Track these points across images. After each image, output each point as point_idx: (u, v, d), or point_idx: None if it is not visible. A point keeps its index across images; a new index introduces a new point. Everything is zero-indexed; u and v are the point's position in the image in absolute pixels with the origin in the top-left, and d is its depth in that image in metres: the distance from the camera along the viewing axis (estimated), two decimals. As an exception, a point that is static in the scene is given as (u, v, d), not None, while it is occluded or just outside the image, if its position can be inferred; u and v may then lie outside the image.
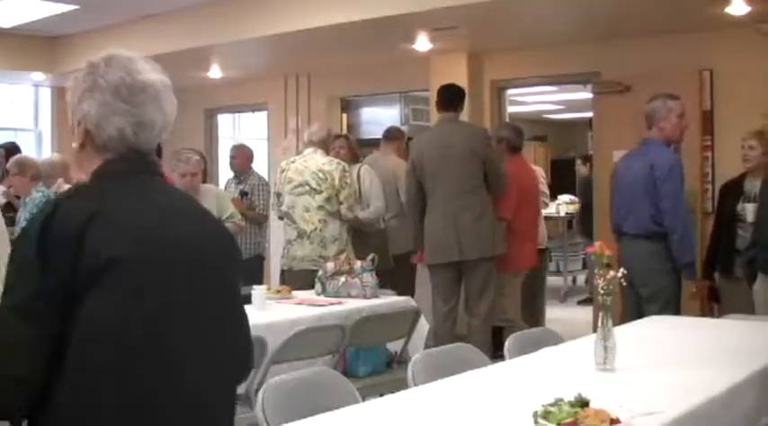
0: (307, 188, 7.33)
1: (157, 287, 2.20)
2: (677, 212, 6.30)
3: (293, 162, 7.55)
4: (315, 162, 7.39)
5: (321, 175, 7.31)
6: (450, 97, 7.74)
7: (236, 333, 2.44)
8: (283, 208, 7.47)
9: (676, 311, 6.28)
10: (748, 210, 6.70)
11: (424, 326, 6.26)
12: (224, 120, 14.20)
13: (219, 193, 7.32)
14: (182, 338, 2.23)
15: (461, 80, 9.64)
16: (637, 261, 6.24)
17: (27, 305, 2.11)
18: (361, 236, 7.85)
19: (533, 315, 8.77)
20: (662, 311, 5.92)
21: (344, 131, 11.77)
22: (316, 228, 7.26)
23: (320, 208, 7.27)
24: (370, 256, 6.66)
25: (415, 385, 3.72)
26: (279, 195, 7.57)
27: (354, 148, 8.65)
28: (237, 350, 2.44)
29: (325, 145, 7.62)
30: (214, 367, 2.31)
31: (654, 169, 6.32)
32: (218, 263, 2.39)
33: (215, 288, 2.36)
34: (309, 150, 7.51)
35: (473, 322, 7.51)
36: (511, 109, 11.31)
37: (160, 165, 2.51)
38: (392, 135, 9.22)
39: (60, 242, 2.12)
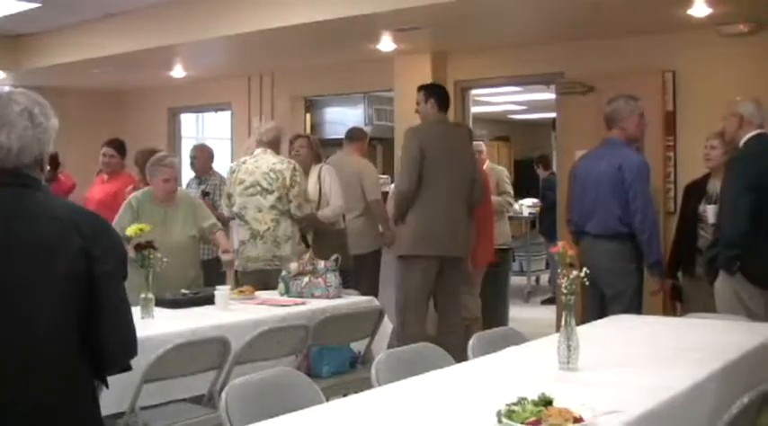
0: (258, 188, 7.31)
1: None
2: (647, 212, 6.36)
3: (244, 162, 7.52)
4: (266, 162, 7.37)
5: (273, 175, 7.29)
6: (447, 98, 7.88)
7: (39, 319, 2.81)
8: (235, 209, 7.44)
9: (638, 310, 6.31)
10: (709, 212, 6.74)
11: (387, 326, 6.26)
12: (187, 120, 14.15)
13: (195, 201, 7.27)
14: None
15: (425, 80, 9.63)
16: (601, 261, 6.27)
17: None
18: (321, 236, 7.85)
19: (497, 315, 8.81)
20: (625, 310, 5.96)
21: (308, 131, 11.77)
22: (268, 228, 7.25)
23: (272, 207, 7.25)
24: (334, 256, 6.65)
25: (379, 384, 3.71)
26: (230, 196, 7.54)
27: (316, 148, 8.62)
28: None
29: (275, 145, 7.61)
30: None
31: (622, 170, 6.36)
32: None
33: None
34: (259, 150, 7.48)
35: (455, 320, 7.52)
36: (474, 109, 11.32)
37: (34, 179, 2.97)
38: (355, 135, 9.21)
39: None
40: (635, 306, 6.32)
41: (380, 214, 8.65)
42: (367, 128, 10.59)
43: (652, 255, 6.43)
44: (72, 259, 2.86)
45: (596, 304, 6.32)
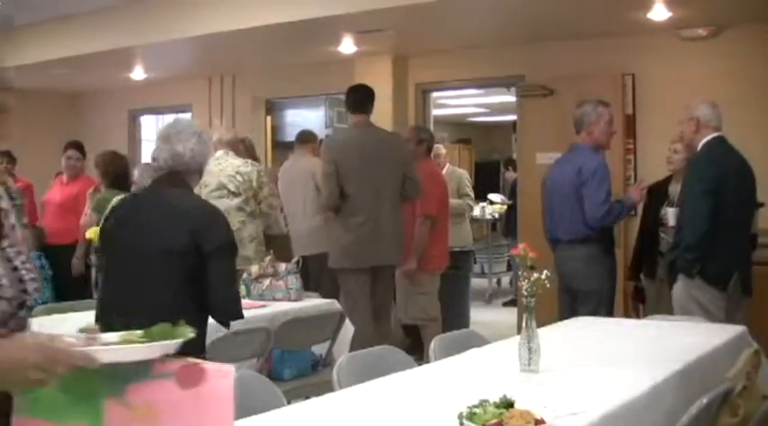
0: (224, 191, 7.29)
1: None
2: (594, 215, 6.36)
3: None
4: (230, 164, 7.36)
5: (240, 178, 7.28)
6: (363, 99, 7.47)
7: None
8: None
9: (609, 313, 6.34)
10: (670, 215, 6.78)
11: (349, 329, 6.25)
12: (147, 122, 14.06)
13: None
14: None
15: (386, 83, 9.68)
16: (573, 265, 6.31)
17: None
18: (266, 241, 7.92)
19: (458, 317, 8.82)
20: (594, 312, 5.96)
21: (269, 133, 11.76)
22: (236, 230, 7.22)
23: (239, 210, 7.25)
24: (295, 259, 6.65)
25: (341, 387, 3.70)
26: None
27: (251, 151, 8.65)
28: None
29: (234, 146, 7.60)
30: None
31: (581, 173, 6.39)
32: None
33: None
34: (221, 152, 7.46)
35: (386, 326, 7.49)
36: (435, 112, 11.35)
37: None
38: (305, 138, 9.19)
39: None
40: (605, 309, 6.34)
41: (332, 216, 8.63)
42: (328, 130, 10.58)
43: (625, 210, 6.69)
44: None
45: (569, 309, 6.32)
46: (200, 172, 4.63)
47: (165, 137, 4.51)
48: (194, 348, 2.43)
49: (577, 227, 6.45)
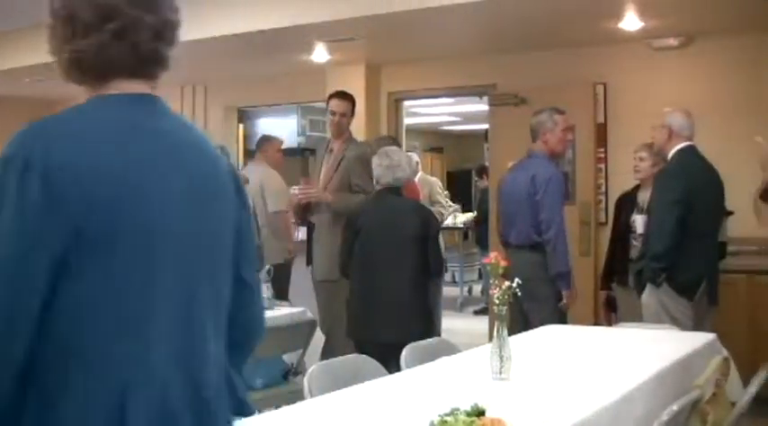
0: None
1: None
2: (552, 224, 6.37)
3: None
4: None
5: None
6: None
7: None
8: None
9: (563, 320, 6.34)
10: (638, 222, 6.83)
11: (319, 338, 6.24)
12: (119, 130, 14.01)
13: None
14: None
15: (358, 91, 9.65)
16: (521, 271, 6.30)
17: None
18: None
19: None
20: (547, 320, 5.94)
21: (241, 142, 11.74)
22: None
23: None
24: (266, 267, 6.63)
25: (312, 396, 3.70)
26: None
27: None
28: None
29: None
30: None
31: (535, 181, 6.40)
32: None
33: None
34: None
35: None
36: (408, 120, 11.34)
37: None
38: (261, 144, 9.20)
39: None
40: (558, 317, 6.34)
41: (280, 227, 8.61)
42: (300, 139, 10.56)
43: (555, 266, 6.42)
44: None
45: (521, 314, 6.32)
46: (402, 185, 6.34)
47: None
48: None
49: (527, 233, 6.46)
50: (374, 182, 6.41)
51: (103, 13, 2.10)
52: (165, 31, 2.32)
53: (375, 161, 6.36)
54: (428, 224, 6.22)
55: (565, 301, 6.41)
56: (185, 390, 2.03)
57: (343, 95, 7.57)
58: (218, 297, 2.16)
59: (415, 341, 4.78)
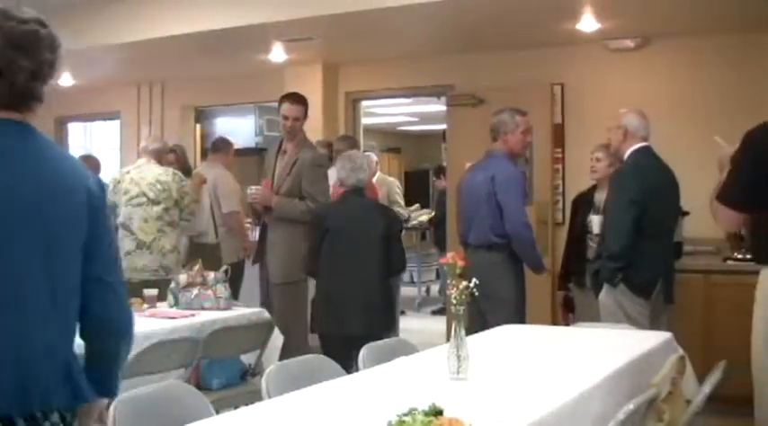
0: (144, 199, 7.28)
1: None
2: (515, 221, 6.39)
3: (127, 172, 7.51)
4: (151, 172, 7.36)
5: (159, 186, 7.29)
6: None
7: None
8: (120, 219, 7.36)
9: (521, 320, 6.37)
10: (594, 222, 6.86)
11: (277, 338, 6.22)
12: (75, 129, 13.91)
13: None
14: None
15: (316, 91, 9.67)
16: (479, 271, 6.29)
17: None
18: (197, 248, 7.86)
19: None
20: (506, 320, 5.96)
21: (198, 142, 11.69)
22: (155, 239, 7.24)
23: (158, 218, 7.28)
24: (224, 268, 6.61)
25: (270, 397, 3.69)
26: (114, 207, 7.46)
27: (184, 161, 8.63)
28: None
29: (159, 155, 7.58)
30: None
31: (494, 181, 6.42)
32: None
33: None
34: (143, 160, 7.49)
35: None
36: (365, 120, 11.34)
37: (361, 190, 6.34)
38: (217, 146, 9.17)
39: None
40: (517, 316, 6.36)
41: (235, 227, 8.62)
42: (258, 139, 10.54)
43: (528, 261, 6.54)
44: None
45: (479, 314, 6.33)
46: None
47: None
48: None
49: (485, 234, 6.48)
50: (338, 184, 6.78)
51: None
52: (42, 71, 2.76)
53: (338, 164, 6.66)
54: (392, 223, 6.58)
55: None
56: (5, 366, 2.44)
57: (295, 99, 7.50)
58: (54, 290, 2.54)
59: (380, 333, 5.73)
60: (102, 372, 2.77)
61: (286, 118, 7.39)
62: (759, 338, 4.41)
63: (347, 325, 6.25)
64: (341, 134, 9.81)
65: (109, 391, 2.85)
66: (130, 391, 3.46)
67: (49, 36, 2.85)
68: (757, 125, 4.48)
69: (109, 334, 2.76)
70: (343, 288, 6.36)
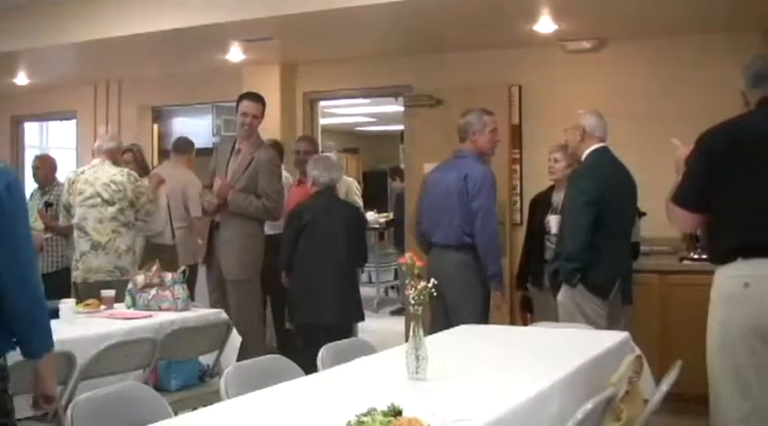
0: (99, 199, 7.23)
1: None
2: (486, 224, 6.43)
3: (82, 173, 7.44)
4: (105, 172, 7.31)
5: (114, 187, 7.24)
6: None
7: None
8: (75, 220, 7.31)
9: (485, 320, 6.39)
10: (552, 222, 6.89)
11: (236, 339, 6.20)
12: (31, 129, 13.78)
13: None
14: None
15: (274, 91, 9.66)
16: (445, 271, 6.31)
17: None
18: (153, 249, 7.82)
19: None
20: (470, 320, 6.00)
21: (155, 141, 11.63)
22: (110, 239, 7.19)
23: (113, 219, 7.22)
24: (181, 268, 6.58)
25: (228, 397, 3.68)
26: (69, 207, 7.41)
27: (142, 161, 8.59)
28: None
29: (113, 155, 7.53)
30: None
31: (467, 181, 6.44)
32: None
33: None
34: (97, 160, 7.43)
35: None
36: (323, 121, 11.33)
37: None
38: (181, 147, 9.11)
39: None
40: (480, 317, 6.39)
41: (203, 231, 8.58)
42: (215, 139, 10.51)
43: (489, 268, 6.52)
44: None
45: (442, 314, 6.34)
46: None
47: None
48: None
49: (455, 233, 6.51)
50: (311, 183, 7.03)
51: None
52: None
53: (312, 164, 7.08)
54: (360, 220, 7.13)
55: (494, 301, 6.57)
56: None
57: (256, 97, 7.53)
58: None
59: (352, 319, 6.97)
60: None
61: (245, 115, 7.41)
62: (713, 338, 4.45)
63: (325, 313, 6.75)
64: (301, 134, 9.80)
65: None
66: (88, 392, 3.44)
67: None
68: (711, 127, 4.52)
69: None
70: (319, 279, 6.79)
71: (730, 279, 4.36)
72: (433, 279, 3.77)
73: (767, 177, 4.32)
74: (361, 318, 7.18)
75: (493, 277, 6.53)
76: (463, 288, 6.40)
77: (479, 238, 6.44)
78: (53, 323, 3.74)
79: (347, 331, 6.83)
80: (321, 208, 6.91)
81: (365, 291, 12.04)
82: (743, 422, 4.32)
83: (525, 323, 7.11)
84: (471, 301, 6.42)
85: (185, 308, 6.24)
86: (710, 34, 8.06)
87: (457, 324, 5.76)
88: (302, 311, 6.92)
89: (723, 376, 4.38)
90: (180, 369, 5.83)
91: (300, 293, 6.90)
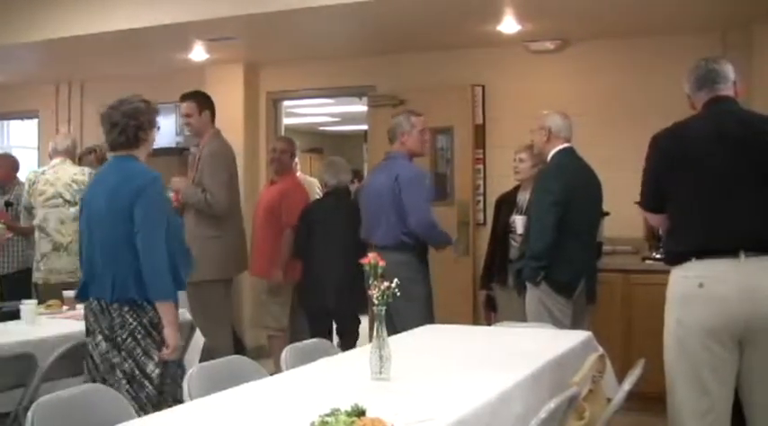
0: (60, 200, 7.20)
1: None
2: (420, 218, 6.45)
3: (43, 173, 7.40)
4: (66, 172, 7.27)
5: (75, 187, 7.20)
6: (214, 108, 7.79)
7: None
8: (36, 221, 7.27)
9: (431, 317, 6.40)
10: (518, 222, 6.90)
11: (199, 339, 6.18)
12: (-8, 128, 13.69)
13: None
14: None
15: (237, 91, 9.63)
16: (386, 271, 6.32)
17: None
18: None
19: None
20: (417, 318, 5.96)
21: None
22: (72, 240, 7.13)
23: (75, 219, 7.15)
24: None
25: (192, 398, 3.66)
26: (30, 209, 7.36)
27: (104, 161, 8.55)
28: None
29: (71, 154, 7.49)
30: None
31: (398, 180, 6.48)
32: None
33: None
34: (57, 160, 7.40)
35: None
36: (287, 121, 11.30)
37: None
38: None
39: None
40: (427, 314, 6.41)
41: None
42: (179, 138, 10.46)
43: (438, 242, 6.72)
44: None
45: (387, 319, 6.34)
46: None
47: None
48: None
49: (393, 234, 6.53)
50: (323, 185, 7.97)
51: None
52: None
53: (322, 168, 8.04)
54: (359, 217, 7.28)
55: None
56: None
57: (189, 95, 7.56)
58: None
59: (354, 309, 7.56)
60: None
61: (183, 116, 7.61)
62: (669, 336, 4.49)
63: (329, 299, 7.48)
64: (264, 134, 9.81)
65: None
66: (49, 394, 3.42)
67: None
68: (663, 128, 4.57)
69: None
70: (324, 268, 7.49)
71: (685, 279, 4.40)
72: (396, 280, 3.78)
73: (715, 178, 4.36)
74: (365, 310, 7.53)
75: (445, 244, 6.80)
76: (407, 286, 6.38)
77: (418, 230, 6.47)
78: (13, 324, 3.74)
79: (350, 318, 7.67)
80: (330, 206, 7.75)
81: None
82: (700, 420, 4.35)
83: (489, 323, 7.12)
84: (416, 298, 6.39)
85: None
86: (671, 36, 8.11)
87: (400, 325, 5.74)
88: (308, 295, 7.75)
89: (680, 374, 4.42)
90: (143, 370, 5.79)
91: (308, 280, 7.70)
